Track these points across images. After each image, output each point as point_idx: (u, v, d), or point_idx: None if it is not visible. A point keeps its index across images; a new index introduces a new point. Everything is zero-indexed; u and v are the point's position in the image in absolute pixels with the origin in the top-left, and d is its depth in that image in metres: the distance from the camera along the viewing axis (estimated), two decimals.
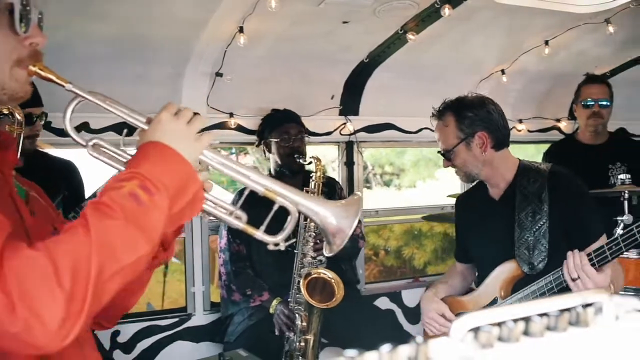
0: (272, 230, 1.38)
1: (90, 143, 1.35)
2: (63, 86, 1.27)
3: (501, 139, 2.49)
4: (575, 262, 2.12)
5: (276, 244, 1.39)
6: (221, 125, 3.70)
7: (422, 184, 8.45)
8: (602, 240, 2.34)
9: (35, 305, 0.98)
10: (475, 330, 0.57)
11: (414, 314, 4.20)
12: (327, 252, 1.43)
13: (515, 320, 0.59)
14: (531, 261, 2.38)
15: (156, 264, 1.43)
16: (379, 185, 8.91)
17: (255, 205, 1.40)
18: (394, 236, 6.80)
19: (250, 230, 1.39)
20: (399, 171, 8.89)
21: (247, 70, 3.59)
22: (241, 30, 3.14)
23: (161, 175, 1.19)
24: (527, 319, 0.60)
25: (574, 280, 2.13)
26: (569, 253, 2.16)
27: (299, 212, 1.39)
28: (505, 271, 2.46)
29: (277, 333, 3.13)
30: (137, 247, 1.12)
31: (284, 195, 1.37)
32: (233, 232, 3.39)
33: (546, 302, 0.63)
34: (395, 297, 4.27)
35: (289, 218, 1.38)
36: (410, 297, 4.26)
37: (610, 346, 0.58)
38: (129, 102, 1.34)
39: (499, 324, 0.58)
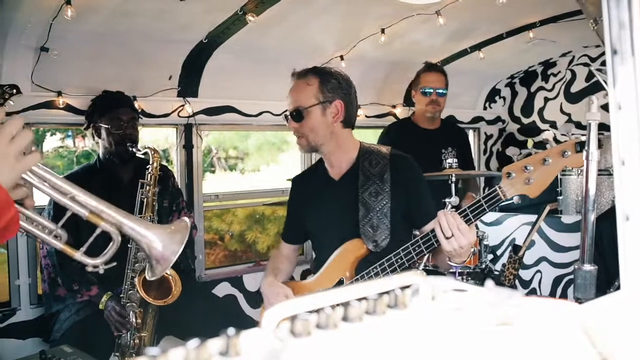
0: (95, 251, 1.36)
1: None
2: None
3: (351, 116, 2.57)
4: (449, 221, 2.15)
5: (95, 267, 1.37)
6: (48, 105, 3.43)
7: (265, 168, 8.47)
8: None
9: None
10: (293, 318, 0.54)
11: (255, 298, 4.20)
12: (149, 276, 1.42)
13: (333, 306, 0.57)
14: (375, 239, 2.44)
15: None
16: (222, 169, 8.79)
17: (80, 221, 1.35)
18: (237, 220, 6.77)
19: (70, 251, 1.37)
20: (243, 155, 8.83)
21: (76, 46, 3.35)
22: (68, 2, 2.90)
23: None
24: (346, 304, 0.58)
25: (447, 238, 2.16)
26: (440, 213, 2.19)
27: (123, 235, 1.37)
28: (350, 250, 2.50)
29: (115, 333, 2.97)
30: None
31: (110, 216, 1.34)
32: (58, 221, 3.15)
33: (364, 286, 0.61)
34: (237, 281, 4.24)
35: (110, 244, 1.35)
36: (251, 282, 4.27)
37: (427, 326, 0.58)
38: None
39: (317, 311, 0.56)
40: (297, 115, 2.51)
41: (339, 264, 2.52)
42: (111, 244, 1.36)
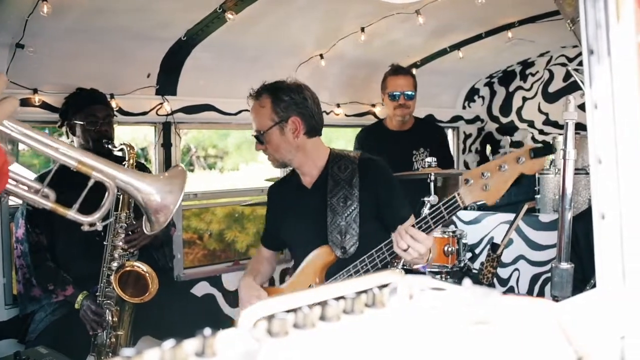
0: (89, 211, 1.28)
1: None
2: None
3: (314, 126, 2.55)
4: (402, 235, 2.16)
5: (92, 224, 1.29)
6: (24, 102, 3.38)
7: (245, 167, 8.44)
8: (412, 220, 2.46)
9: None
10: (269, 318, 0.54)
11: (234, 298, 4.18)
12: (148, 230, 1.36)
13: (311, 306, 0.57)
14: (343, 245, 2.44)
15: None
16: (201, 168, 8.75)
17: (68, 187, 1.28)
18: (216, 219, 6.74)
19: (61, 210, 1.29)
20: (223, 154, 8.79)
21: (53, 43, 3.30)
22: None
23: None
24: (323, 304, 0.58)
25: (405, 250, 2.17)
26: (393, 235, 2.20)
27: (118, 189, 1.30)
28: (319, 256, 2.50)
29: (90, 332, 2.94)
30: None
31: (100, 169, 1.27)
32: (32, 221, 3.12)
33: (342, 285, 0.61)
34: (215, 281, 4.22)
35: (106, 195, 1.28)
36: (230, 281, 4.24)
37: (404, 326, 0.58)
38: None
39: (295, 310, 0.56)
40: (259, 138, 2.55)
41: (309, 271, 2.53)
42: (106, 195, 1.29)
